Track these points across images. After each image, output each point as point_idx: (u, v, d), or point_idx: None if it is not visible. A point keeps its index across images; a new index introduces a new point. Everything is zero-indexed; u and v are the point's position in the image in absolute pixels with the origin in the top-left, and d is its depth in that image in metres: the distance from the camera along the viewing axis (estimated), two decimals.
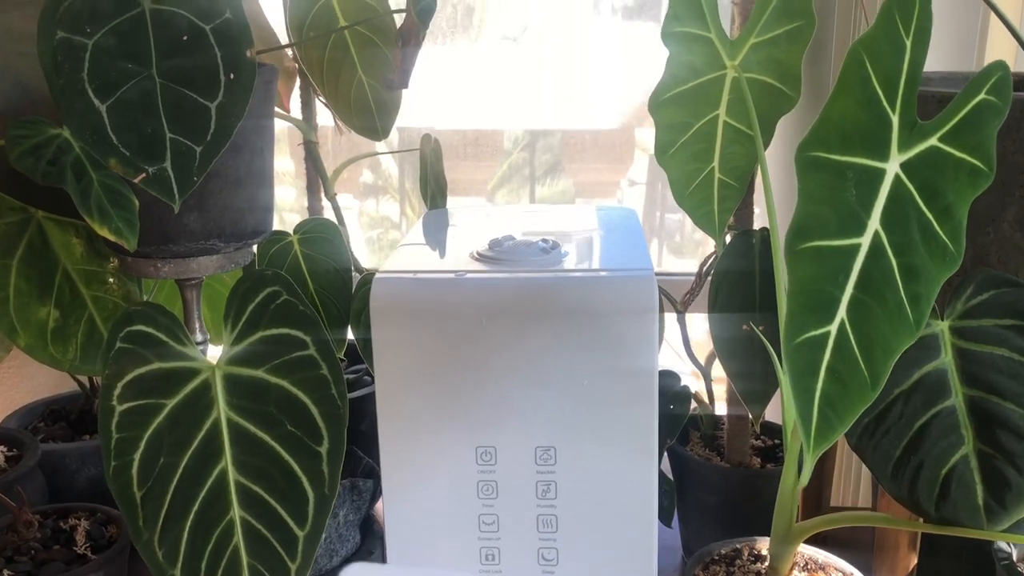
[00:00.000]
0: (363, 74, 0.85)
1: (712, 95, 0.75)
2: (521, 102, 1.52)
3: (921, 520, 0.63)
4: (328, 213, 0.98)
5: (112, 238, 0.68)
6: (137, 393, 0.63)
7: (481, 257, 0.74)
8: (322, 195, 0.98)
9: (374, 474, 0.93)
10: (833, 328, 0.45)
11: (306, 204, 1.00)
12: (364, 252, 1.74)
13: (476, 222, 0.88)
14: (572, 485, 0.70)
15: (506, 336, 0.68)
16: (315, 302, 0.86)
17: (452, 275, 0.70)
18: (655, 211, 1.68)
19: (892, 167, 0.48)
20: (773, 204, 0.69)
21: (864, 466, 1.04)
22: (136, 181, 0.62)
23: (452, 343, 0.69)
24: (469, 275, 0.70)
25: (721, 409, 0.96)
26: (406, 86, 0.77)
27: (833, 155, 0.46)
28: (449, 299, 0.69)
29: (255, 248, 0.81)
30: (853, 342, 0.46)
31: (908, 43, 0.47)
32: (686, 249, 1.64)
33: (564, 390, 0.68)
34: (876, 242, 0.47)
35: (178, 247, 0.73)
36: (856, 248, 0.47)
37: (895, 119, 0.48)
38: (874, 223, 0.47)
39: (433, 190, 1.01)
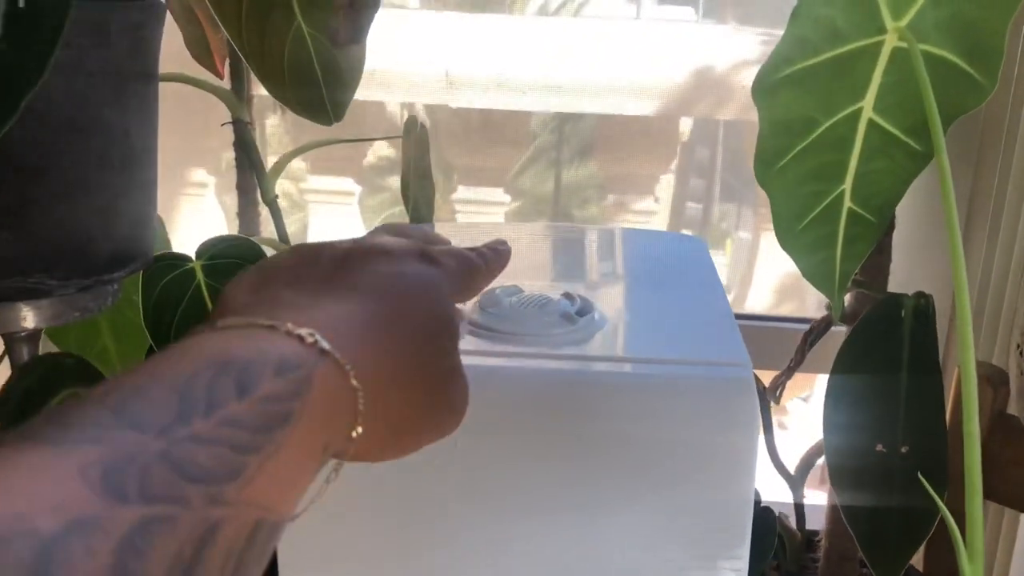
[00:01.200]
0: (303, 21, 0.55)
1: (857, 76, 0.46)
2: (551, 82, 1.31)
3: None
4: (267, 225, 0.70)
5: None
6: None
7: (466, 324, 0.45)
8: (259, 197, 0.70)
9: None
10: None
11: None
12: None
13: None
14: None
15: (498, 471, 0.40)
16: None
17: None
18: (685, 201, 1.52)
19: None
20: (960, 249, 0.40)
21: None
22: None
23: (402, 482, 0.41)
24: None
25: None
26: (358, 40, 0.48)
27: None
28: None
29: (117, 286, 0.52)
30: None
31: None
32: (711, 242, 1.50)
33: (595, 565, 0.40)
34: None
35: None
36: None
37: None
38: None
39: (416, 195, 0.72)
